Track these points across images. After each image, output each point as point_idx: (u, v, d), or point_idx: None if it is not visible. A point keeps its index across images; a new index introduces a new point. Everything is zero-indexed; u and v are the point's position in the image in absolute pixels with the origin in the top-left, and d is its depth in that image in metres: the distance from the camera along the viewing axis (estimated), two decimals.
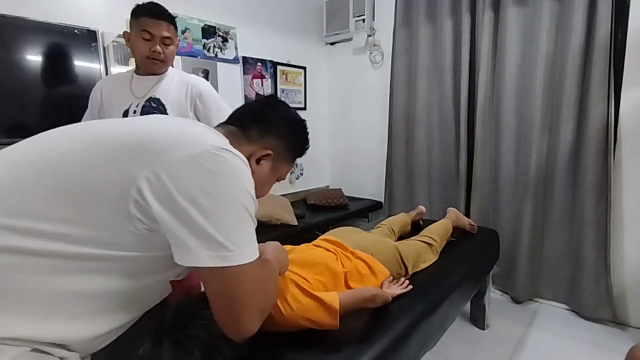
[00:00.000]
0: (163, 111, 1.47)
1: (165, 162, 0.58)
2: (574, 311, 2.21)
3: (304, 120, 0.90)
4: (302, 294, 1.00)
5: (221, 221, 0.59)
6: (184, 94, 1.52)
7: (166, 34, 1.43)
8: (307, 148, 0.92)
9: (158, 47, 1.42)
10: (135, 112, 1.45)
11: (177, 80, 1.54)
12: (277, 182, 0.88)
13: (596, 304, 2.09)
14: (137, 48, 1.43)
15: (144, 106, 1.45)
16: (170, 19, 1.46)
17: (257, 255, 0.63)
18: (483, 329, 2.07)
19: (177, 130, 0.64)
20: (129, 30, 1.45)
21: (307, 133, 0.91)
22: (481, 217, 2.46)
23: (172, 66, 1.58)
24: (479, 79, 2.39)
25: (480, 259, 1.89)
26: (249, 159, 0.74)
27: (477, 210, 2.50)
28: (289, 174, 0.91)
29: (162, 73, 1.52)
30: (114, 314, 0.67)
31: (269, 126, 0.80)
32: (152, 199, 0.57)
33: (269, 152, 0.78)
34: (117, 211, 0.58)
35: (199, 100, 1.54)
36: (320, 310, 0.98)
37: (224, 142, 0.67)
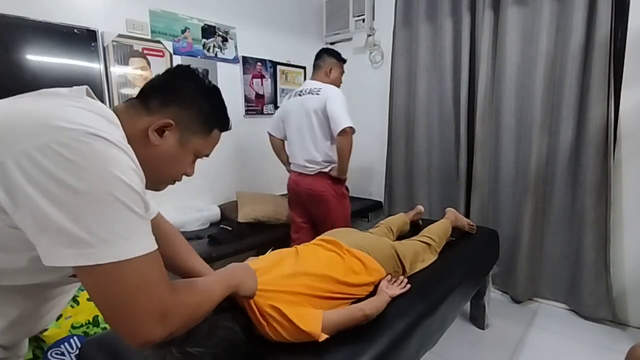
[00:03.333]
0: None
1: (16, 150, 0.51)
2: (573, 311, 2.21)
3: (215, 87, 0.80)
4: (283, 321, 0.99)
5: (82, 214, 0.51)
6: None
7: None
8: (227, 119, 0.82)
9: None
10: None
11: None
12: (200, 159, 0.80)
13: (596, 303, 2.09)
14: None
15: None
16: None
17: (140, 251, 0.56)
18: (483, 328, 2.07)
19: (38, 113, 0.55)
20: None
21: (222, 101, 0.81)
22: (481, 217, 2.46)
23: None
24: (479, 79, 2.39)
25: (480, 259, 1.89)
26: (146, 130, 0.69)
27: (477, 210, 2.50)
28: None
29: None
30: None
31: (172, 94, 0.73)
32: (2, 194, 0.51)
33: (169, 121, 0.70)
34: None
35: None
36: (304, 337, 1.00)
37: (100, 123, 0.58)
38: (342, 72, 2.21)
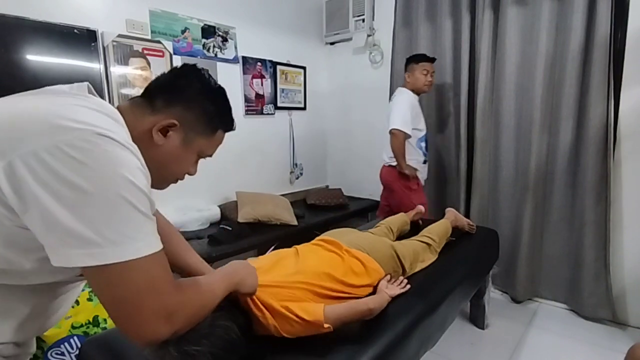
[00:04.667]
0: None
1: (24, 151, 0.51)
2: (573, 311, 2.22)
3: (220, 87, 0.79)
4: (287, 314, 1.00)
5: (90, 215, 0.52)
6: None
7: (433, 69, 2.34)
8: (231, 119, 0.81)
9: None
10: None
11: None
12: (203, 159, 0.80)
13: (596, 303, 2.09)
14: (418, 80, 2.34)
15: None
16: (434, 60, 2.36)
17: (147, 251, 0.56)
18: (483, 328, 2.07)
19: (46, 112, 0.55)
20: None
21: (227, 101, 0.80)
22: (481, 217, 2.46)
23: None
24: (478, 79, 2.39)
25: (480, 259, 1.89)
26: (151, 130, 0.69)
27: (477, 210, 2.50)
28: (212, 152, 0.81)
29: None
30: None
31: (176, 94, 0.73)
32: (10, 193, 0.51)
33: (173, 121, 0.70)
34: None
35: None
36: (310, 329, 1.01)
37: (107, 123, 0.58)
38: (425, 71, 2.30)
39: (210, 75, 0.78)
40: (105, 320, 1.64)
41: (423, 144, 2.40)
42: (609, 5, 1.91)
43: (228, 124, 0.81)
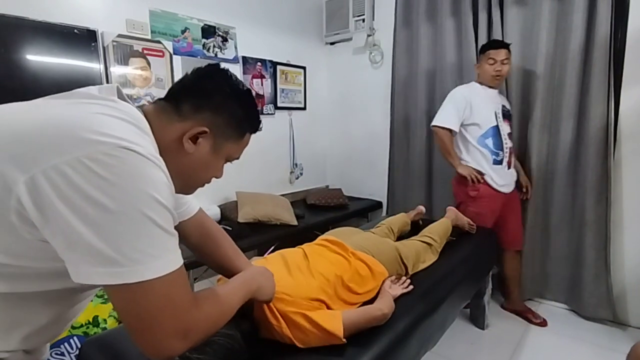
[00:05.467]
0: (511, 114, 2.17)
1: (47, 164, 0.49)
2: (573, 311, 2.22)
3: (248, 90, 0.77)
4: (306, 323, 0.99)
5: (113, 234, 0.51)
6: None
7: (503, 57, 1.98)
8: (259, 122, 0.80)
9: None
10: (497, 113, 2.05)
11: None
12: (229, 163, 0.79)
13: (596, 303, 2.09)
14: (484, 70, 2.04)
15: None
16: (505, 45, 2.01)
17: (167, 269, 0.56)
18: (483, 328, 2.07)
19: (71, 124, 0.53)
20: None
21: (254, 104, 0.79)
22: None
23: None
24: None
25: (480, 259, 1.89)
26: (181, 138, 0.67)
27: None
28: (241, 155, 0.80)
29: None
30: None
31: (204, 99, 0.70)
32: (31, 208, 0.50)
33: (205, 129, 0.68)
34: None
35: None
36: (326, 339, 1.00)
37: (133, 134, 0.57)
38: (491, 60, 1.98)
39: (236, 77, 0.76)
40: (105, 320, 1.64)
41: (490, 141, 2.03)
42: (609, 5, 1.91)
43: (255, 126, 0.80)
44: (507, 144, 2.05)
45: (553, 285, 2.28)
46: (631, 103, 1.98)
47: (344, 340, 1.00)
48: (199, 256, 0.98)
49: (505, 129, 2.04)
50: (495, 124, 2.02)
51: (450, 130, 2.06)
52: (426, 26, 2.63)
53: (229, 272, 0.96)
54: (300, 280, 1.14)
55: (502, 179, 2.04)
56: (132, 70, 2.11)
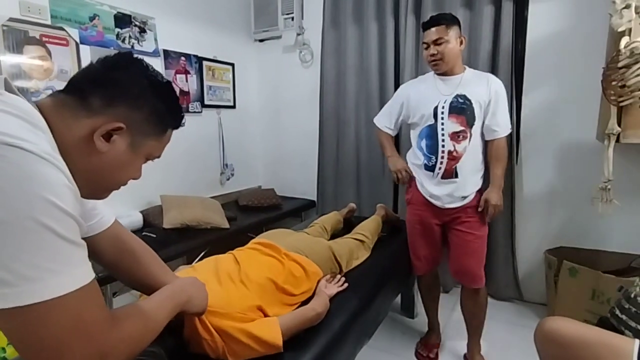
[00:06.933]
0: (470, 106, 1.61)
1: None
2: (488, 294, 2.44)
3: (168, 82, 0.70)
4: (243, 337, 0.95)
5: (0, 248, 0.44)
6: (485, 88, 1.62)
7: (435, 37, 1.58)
8: (182, 117, 0.73)
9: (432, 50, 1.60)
10: (443, 107, 1.63)
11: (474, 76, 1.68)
12: (151, 163, 0.72)
13: (505, 285, 2.35)
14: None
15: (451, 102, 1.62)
16: (436, 22, 1.60)
17: (73, 286, 0.48)
18: (413, 317, 2.19)
19: None
20: None
21: (176, 97, 0.73)
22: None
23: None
24: (404, 81, 2.50)
25: (408, 252, 1.99)
26: (91, 135, 0.58)
27: (404, 205, 2.62)
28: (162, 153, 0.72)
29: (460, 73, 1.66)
30: None
31: (118, 92, 0.62)
32: None
33: (120, 124, 0.60)
34: None
35: (494, 96, 1.62)
36: (265, 351, 0.97)
37: (22, 130, 0.49)
38: (424, 45, 1.63)
39: (153, 68, 0.68)
40: (4, 349, 1.40)
41: (424, 143, 1.69)
42: (510, 17, 2.14)
43: (178, 122, 0.73)
44: (446, 146, 1.61)
45: None
46: (531, 107, 2.24)
47: (282, 350, 0.98)
48: (117, 275, 0.87)
49: (449, 127, 1.61)
50: (431, 122, 1.65)
51: (378, 128, 1.91)
52: (353, 28, 2.70)
53: (154, 291, 0.86)
54: (232, 290, 1.08)
55: (433, 189, 1.68)
56: (27, 59, 1.83)
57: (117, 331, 0.55)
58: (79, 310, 0.49)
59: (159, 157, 0.72)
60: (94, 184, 0.62)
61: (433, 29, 1.59)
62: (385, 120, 1.88)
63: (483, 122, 1.63)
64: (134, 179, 0.70)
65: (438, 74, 1.67)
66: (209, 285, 0.98)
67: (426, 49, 1.63)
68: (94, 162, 0.60)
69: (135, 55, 0.68)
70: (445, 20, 1.59)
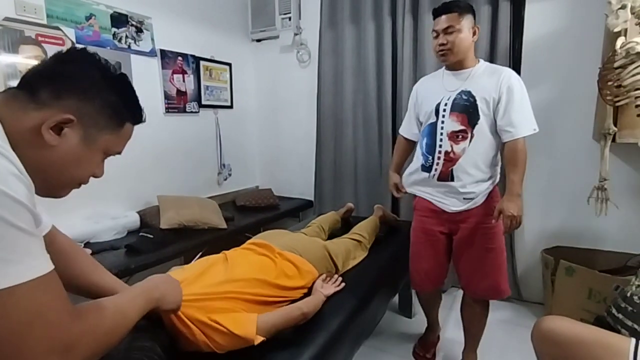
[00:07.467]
0: (472, 103, 1.46)
1: None
2: None
3: (122, 74, 0.69)
4: (217, 329, 0.95)
5: None
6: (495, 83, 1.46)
7: (445, 25, 1.44)
8: (140, 110, 0.72)
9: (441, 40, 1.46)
10: (446, 104, 1.50)
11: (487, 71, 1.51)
12: (110, 157, 0.70)
13: None
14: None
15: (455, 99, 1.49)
16: (447, 9, 1.45)
17: (32, 274, 0.48)
18: (410, 317, 2.19)
19: None
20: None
21: (132, 90, 0.71)
22: (407, 211, 2.59)
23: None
24: (402, 82, 2.51)
25: (406, 252, 1.99)
26: (39, 128, 0.57)
27: (403, 205, 2.63)
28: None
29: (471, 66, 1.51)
30: None
31: (68, 84, 0.61)
32: None
33: (70, 116, 0.59)
34: None
35: (507, 93, 1.44)
36: (241, 343, 0.97)
37: None
38: (434, 33, 1.49)
39: (106, 61, 0.67)
40: None
41: (424, 142, 1.59)
42: (507, 17, 2.15)
43: (136, 116, 0.71)
44: (443, 146, 1.50)
45: None
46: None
47: (261, 339, 0.98)
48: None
49: (448, 125, 1.49)
50: (433, 120, 1.54)
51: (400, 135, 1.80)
52: (350, 28, 2.70)
53: (90, 291, 0.83)
54: (211, 283, 1.08)
55: (430, 190, 1.60)
56: (23, 59, 1.82)
57: (80, 323, 0.54)
58: (39, 299, 0.48)
59: (119, 153, 0.71)
60: (49, 179, 0.61)
61: (444, 17, 1.44)
62: (405, 125, 1.79)
63: (495, 122, 1.46)
64: (94, 176, 0.69)
65: (447, 68, 1.56)
66: (188, 280, 1.00)
67: (435, 37, 1.48)
68: (46, 155, 0.59)
69: (88, 50, 0.67)
70: (458, 7, 1.43)
